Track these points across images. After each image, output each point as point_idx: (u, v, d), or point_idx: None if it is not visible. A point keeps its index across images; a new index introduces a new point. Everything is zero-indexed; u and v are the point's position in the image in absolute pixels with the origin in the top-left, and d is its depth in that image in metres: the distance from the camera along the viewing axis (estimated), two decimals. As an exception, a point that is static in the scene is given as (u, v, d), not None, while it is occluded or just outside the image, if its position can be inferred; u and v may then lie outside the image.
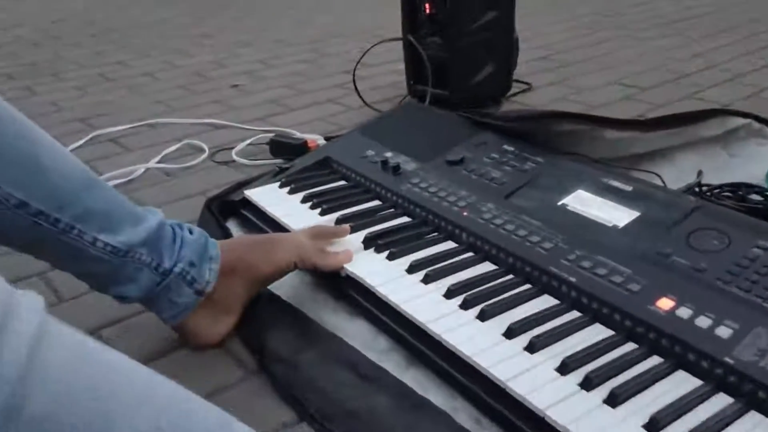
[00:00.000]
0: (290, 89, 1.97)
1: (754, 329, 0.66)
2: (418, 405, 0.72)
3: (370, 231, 0.94)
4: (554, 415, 0.62)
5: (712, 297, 0.71)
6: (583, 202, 0.91)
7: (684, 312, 0.70)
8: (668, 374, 0.67)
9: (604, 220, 0.86)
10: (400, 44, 1.72)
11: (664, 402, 0.63)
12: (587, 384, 0.65)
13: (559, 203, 0.91)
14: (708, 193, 1.05)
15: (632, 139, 1.14)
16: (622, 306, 0.73)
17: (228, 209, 1.13)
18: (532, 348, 0.70)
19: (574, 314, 0.75)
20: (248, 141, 1.52)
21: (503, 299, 0.78)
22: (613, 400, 0.63)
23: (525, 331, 0.73)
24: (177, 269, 0.80)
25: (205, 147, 1.52)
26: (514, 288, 0.80)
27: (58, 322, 0.40)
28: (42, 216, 0.72)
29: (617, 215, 0.86)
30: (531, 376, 0.67)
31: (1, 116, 0.70)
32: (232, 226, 1.10)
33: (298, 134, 1.54)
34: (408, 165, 1.08)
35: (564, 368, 0.67)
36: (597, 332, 0.73)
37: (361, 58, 1.75)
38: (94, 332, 0.91)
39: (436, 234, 0.94)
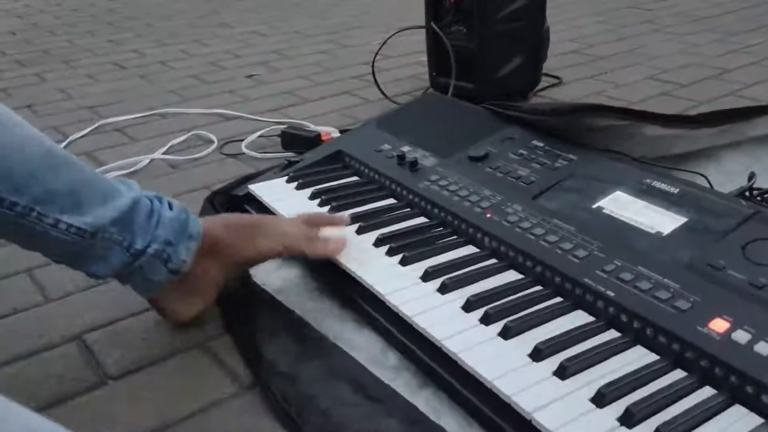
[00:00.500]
0: (306, 80, 1.88)
1: (827, 359, 0.56)
2: (430, 432, 0.63)
3: (382, 232, 0.85)
4: (589, 456, 0.52)
5: (775, 319, 0.61)
6: (621, 205, 0.81)
7: (741, 336, 0.60)
8: (723, 409, 0.57)
9: (646, 226, 0.76)
10: (423, 34, 1.63)
11: (721, 444, 0.53)
12: (627, 419, 0.56)
13: (595, 206, 0.81)
14: (760, 198, 0.94)
15: (675, 137, 1.04)
16: (669, 326, 0.63)
17: (232, 204, 1.05)
18: (562, 373, 0.61)
19: (612, 334, 0.66)
20: (259, 133, 1.44)
21: (530, 314, 0.68)
22: (659, 439, 0.54)
23: (555, 353, 0.63)
24: (150, 250, 0.76)
25: (214, 138, 1.44)
26: (542, 301, 0.71)
27: None
28: None
29: (661, 221, 0.76)
30: (561, 407, 0.57)
31: None
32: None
33: (312, 126, 1.46)
34: (426, 160, 0.99)
35: (600, 399, 0.58)
36: (639, 356, 0.63)
37: (380, 47, 1.65)
38: (79, 336, 0.83)
39: (455, 237, 0.84)
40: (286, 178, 1.04)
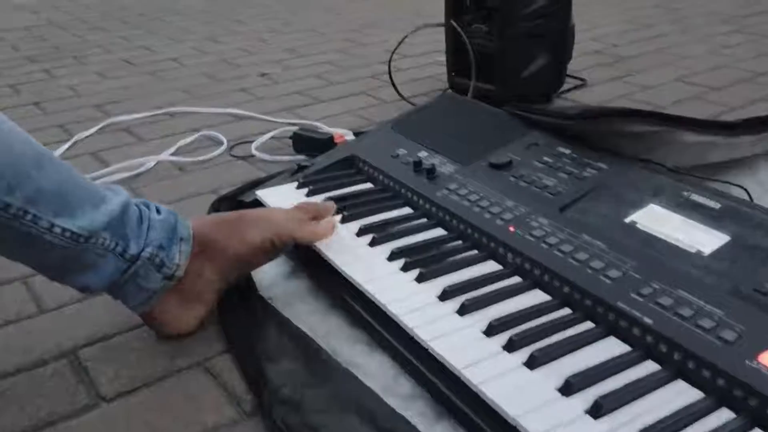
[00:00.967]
0: (321, 80, 1.83)
1: None
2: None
3: (397, 245, 0.79)
4: None
5: (836, 354, 0.54)
6: (657, 219, 0.74)
7: (797, 372, 0.54)
8: (778, 457, 0.51)
9: (685, 244, 0.70)
10: (442, 33, 1.56)
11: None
12: (671, 467, 0.49)
13: (627, 220, 0.75)
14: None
15: (711, 144, 0.97)
16: (714, 359, 0.56)
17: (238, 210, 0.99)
18: (597, 411, 0.54)
19: (651, 366, 0.59)
20: (270, 134, 1.38)
21: (559, 342, 0.62)
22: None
23: (587, 386, 0.57)
24: (145, 254, 0.72)
25: (224, 139, 1.38)
26: (571, 326, 0.65)
27: None
28: None
29: (702, 239, 0.70)
30: (595, 451, 0.51)
31: None
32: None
33: (325, 128, 1.40)
34: (445, 167, 0.92)
35: (640, 442, 0.51)
36: (680, 391, 0.57)
37: (398, 45, 1.59)
38: (72, 352, 0.78)
39: (475, 252, 0.78)
40: (296, 183, 0.98)
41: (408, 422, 0.62)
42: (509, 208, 0.81)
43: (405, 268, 0.76)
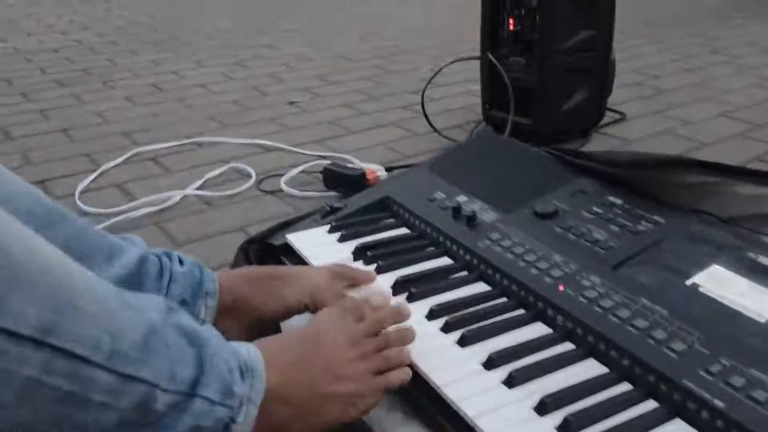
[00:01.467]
0: (351, 109, 1.79)
1: None
2: None
3: (436, 302, 0.74)
4: None
5: None
6: (721, 282, 0.68)
7: None
8: None
9: (754, 312, 0.64)
10: (477, 63, 1.52)
11: None
12: None
13: (689, 282, 0.69)
14: None
15: (766, 198, 0.91)
16: (798, 454, 0.51)
17: (267, 254, 0.95)
18: None
19: (725, 457, 0.54)
20: (300, 168, 1.34)
21: (621, 426, 0.56)
22: None
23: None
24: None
25: (252, 172, 1.35)
26: (633, 405, 0.59)
27: None
28: None
29: (773, 308, 0.64)
30: None
31: None
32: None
33: (356, 162, 1.36)
34: (486, 215, 0.87)
35: None
36: (759, 489, 0.51)
37: (433, 77, 1.55)
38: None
39: (522, 312, 0.73)
40: (327, 227, 0.94)
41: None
42: (557, 264, 0.75)
43: (446, 329, 0.71)
